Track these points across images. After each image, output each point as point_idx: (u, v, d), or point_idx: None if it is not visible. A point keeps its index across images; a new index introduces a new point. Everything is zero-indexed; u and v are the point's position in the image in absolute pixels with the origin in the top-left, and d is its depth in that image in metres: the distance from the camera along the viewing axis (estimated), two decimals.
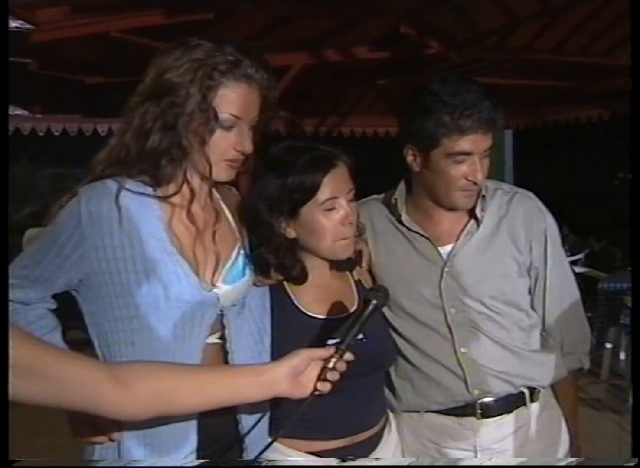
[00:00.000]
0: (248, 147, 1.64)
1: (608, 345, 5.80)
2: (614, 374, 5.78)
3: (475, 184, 1.89)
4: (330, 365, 1.49)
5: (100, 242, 1.58)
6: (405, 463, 1.70)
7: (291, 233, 1.80)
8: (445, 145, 1.86)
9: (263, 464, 1.65)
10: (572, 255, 7.58)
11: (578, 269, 6.96)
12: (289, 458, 1.83)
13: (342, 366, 1.50)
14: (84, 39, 4.67)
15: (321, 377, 1.49)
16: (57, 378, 1.26)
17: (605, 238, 8.95)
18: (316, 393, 1.49)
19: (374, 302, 1.58)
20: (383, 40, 4.93)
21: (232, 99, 1.60)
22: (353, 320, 1.59)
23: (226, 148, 1.63)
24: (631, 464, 1.42)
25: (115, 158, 1.64)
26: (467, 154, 1.87)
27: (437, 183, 1.93)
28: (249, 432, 1.69)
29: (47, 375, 1.24)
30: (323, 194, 1.76)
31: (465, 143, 1.85)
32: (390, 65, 5.37)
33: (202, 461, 1.62)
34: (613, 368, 5.81)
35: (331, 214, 1.77)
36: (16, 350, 1.17)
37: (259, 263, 1.77)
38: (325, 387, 1.49)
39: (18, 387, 1.18)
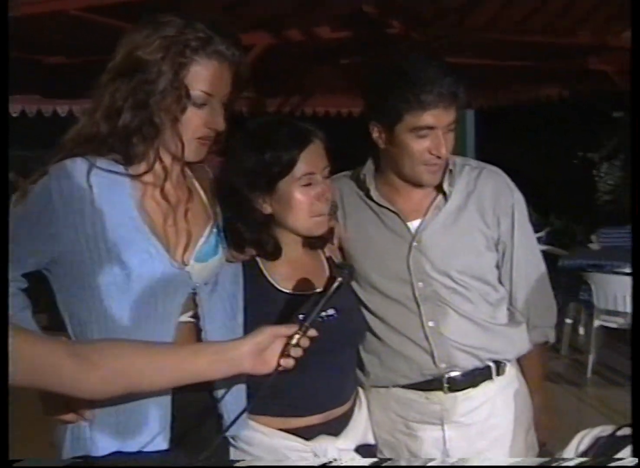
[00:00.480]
0: (220, 125, 1.63)
1: (568, 321, 5.90)
2: (573, 349, 5.90)
3: (439, 158, 1.91)
4: (294, 341, 1.50)
5: (72, 220, 1.57)
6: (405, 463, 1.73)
7: (267, 208, 1.81)
8: (408, 120, 1.88)
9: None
10: (534, 233, 7.75)
11: (540, 247, 7.10)
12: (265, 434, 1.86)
13: (305, 342, 1.52)
14: (41, 18, 4.59)
15: (284, 353, 1.51)
16: (24, 358, 1.26)
17: (566, 216, 9.11)
18: (280, 369, 1.50)
19: (339, 279, 1.60)
20: (346, 20, 4.95)
21: (204, 76, 1.59)
22: (318, 296, 1.60)
23: (198, 125, 1.62)
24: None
25: (86, 136, 1.62)
26: (430, 128, 1.89)
27: (402, 158, 1.95)
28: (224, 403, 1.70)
29: (15, 355, 1.23)
30: (300, 169, 1.77)
31: (427, 117, 1.87)
32: (353, 45, 5.38)
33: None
34: (572, 343, 5.92)
35: (307, 189, 1.79)
36: None
37: (233, 239, 1.78)
38: (288, 362, 1.51)
39: None
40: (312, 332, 1.53)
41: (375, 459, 1.86)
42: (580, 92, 7.05)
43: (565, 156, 8.02)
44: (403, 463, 1.79)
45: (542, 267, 2.14)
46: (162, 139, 1.62)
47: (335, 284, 1.59)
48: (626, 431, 1.79)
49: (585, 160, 7.81)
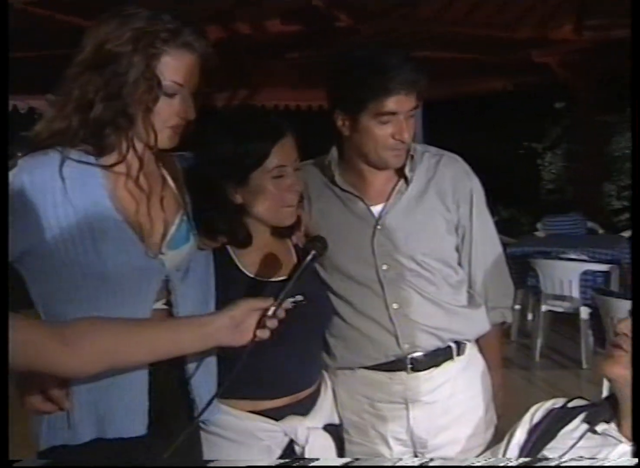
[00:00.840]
0: (191, 114, 1.66)
1: (516, 307, 5.90)
2: (522, 334, 6.03)
3: (402, 142, 1.98)
4: (270, 312, 1.56)
5: (44, 212, 1.58)
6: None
7: (238, 198, 1.85)
8: (371, 107, 1.94)
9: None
10: None
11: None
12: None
13: (281, 313, 1.58)
14: None
15: (260, 325, 1.56)
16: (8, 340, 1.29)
17: (513, 206, 9.29)
18: (256, 340, 1.56)
19: (313, 251, 1.66)
20: (294, 13, 4.99)
21: (175, 67, 1.62)
22: (291, 271, 1.67)
23: (170, 115, 1.65)
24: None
25: (57, 129, 1.63)
26: (393, 114, 1.95)
27: (366, 144, 2.00)
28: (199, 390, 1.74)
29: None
30: (272, 161, 1.82)
31: (390, 104, 1.93)
32: (302, 38, 5.43)
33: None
34: (522, 328, 6.05)
35: (279, 181, 1.84)
36: None
37: (206, 227, 1.81)
38: (264, 333, 1.57)
39: None
40: (287, 304, 1.60)
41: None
42: (524, 84, 7.21)
43: (510, 146, 8.19)
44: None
45: (499, 250, 2.22)
46: (135, 129, 1.64)
47: (310, 256, 1.66)
48: (578, 402, 1.90)
49: (530, 150, 8.00)
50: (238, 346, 1.58)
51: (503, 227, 7.54)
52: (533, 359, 5.56)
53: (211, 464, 1.75)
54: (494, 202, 7.77)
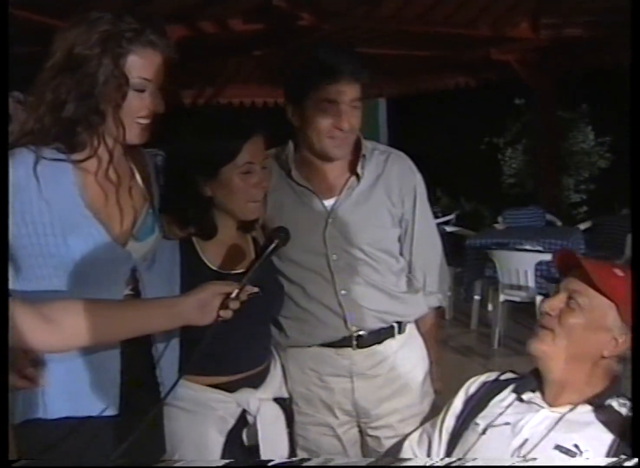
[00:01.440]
0: (160, 107, 1.77)
1: (476, 297, 6.13)
2: (481, 324, 6.15)
3: (341, 130, 2.07)
4: (233, 295, 1.69)
5: (19, 208, 1.68)
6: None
7: (208, 192, 1.96)
8: (312, 95, 2.05)
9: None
10: (444, 215, 7.89)
11: (449, 228, 7.24)
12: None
13: (243, 296, 1.70)
14: None
15: (223, 306, 1.69)
16: None
17: (474, 200, 9.42)
18: (219, 319, 1.69)
19: (276, 241, 1.80)
20: (257, 12, 5.07)
21: (141, 64, 1.72)
22: (254, 258, 1.80)
23: (139, 108, 1.75)
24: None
25: (29, 129, 1.72)
26: (332, 102, 2.05)
27: (311, 134, 2.10)
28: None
29: None
30: (242, 158, 1.93)
31: (329, 91, 2.04)
32: (265, 37, 5.50)
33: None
34: (481, 318, 6.17)
35: (246, 177, 1.95)
36: None
37: (177, 218, 1.92)
38: (227, 314, 1.69)
39: None
40: (250, 288, 1.73)
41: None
42: (485, 81, 7.33)
43: (472, 141, 8.31)
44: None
45: (437, 242, 2.35)
46: (106, 125, 1.73)
47: (273, 245, 1.79)
48: (508, 375, 2.05)
49: (491, 145, 8.13)
50: (202, 325, 1.69)
51: (465, 221, 7.74)
52: (492, 347, 5.66)
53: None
54: (456, 196, 7.88)
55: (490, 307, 6.09)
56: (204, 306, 1.69)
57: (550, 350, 1.87)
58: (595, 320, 1.84)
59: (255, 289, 1.80)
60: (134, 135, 1.79)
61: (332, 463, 1.71)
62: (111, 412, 1.78)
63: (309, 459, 1.88)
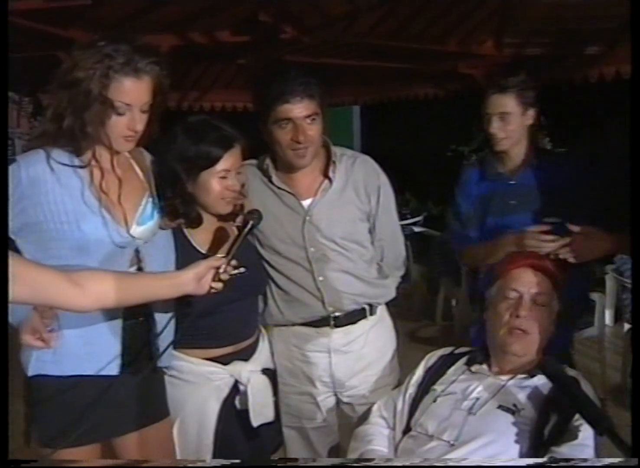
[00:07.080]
0: (139, 127, 1.96)
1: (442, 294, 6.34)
2: (446, 318, 6.34)
3: (299, 143, 2.25)
4: (222, 269, 1.94)
5: (38, 198, 1.91)
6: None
7: (190, 189, 2.18)
8: (271, 114, 2.24)
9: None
10: (413, 217, 8.10)
11: (417, 229, 7.52)
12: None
13: (230, 269, 1.95)
14: None
15: (215, 279, 1.93)
16: (34, 282, 1.59)
17: (442, 203, 9.64)
18: (212, 290, 1.93)
19: (251, 222, 2.07)
20: (243, 25, 5.25)
21: (122, 90, 1.90)
22: (236, 236, 2.05)
23: (121, 128, 1.94)
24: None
25: (40, 133, 1.97)
26: (288, 119, 2.23)
27: (275, 147, 2.31)
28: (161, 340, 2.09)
29: (28, 280, 1.57)
30: (220, 165, 2.16)
31: (284, 110, 2.22)
32: (249, 47, 5.66)
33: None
34: (445, 312, 6.37)
35: (222, 180, 2.18)
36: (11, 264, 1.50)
37: (169, 210, 2.16)
38: (218, 285, 1.93)
39: (12, 291, 1.49)
40: (234, 262, 1.97)
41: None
42: (453, 92, 7.54)
43: (440, 148, 8.50)
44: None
45: (399, 236, 2.63)
46: (98, 137, 1.95)
47: (249, 226, 2.06)
48: (462, 350, 2.34)
49: (457, 153, 8.37)
50: (198, 295, 1.93)
51: (433, 223, 8.00)
52: (454, 337, 5.75)
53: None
54: (425, 200, 8.09)
55: (453, 302, 6.31)
56: (200, 278, 1.90)
57: (526, 348, 2.18)
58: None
59: (242, 269, 2.05)
60: (121, 147, 1.99)
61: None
62: (112, 372, 2.00)
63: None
